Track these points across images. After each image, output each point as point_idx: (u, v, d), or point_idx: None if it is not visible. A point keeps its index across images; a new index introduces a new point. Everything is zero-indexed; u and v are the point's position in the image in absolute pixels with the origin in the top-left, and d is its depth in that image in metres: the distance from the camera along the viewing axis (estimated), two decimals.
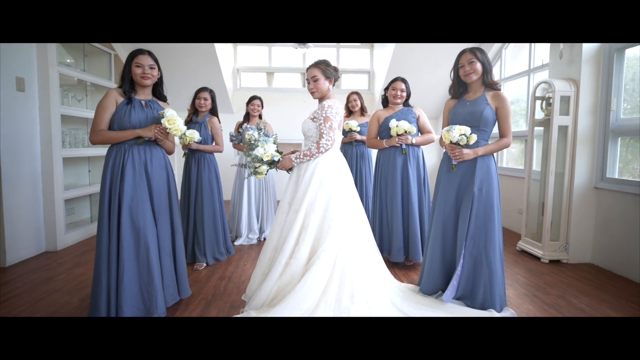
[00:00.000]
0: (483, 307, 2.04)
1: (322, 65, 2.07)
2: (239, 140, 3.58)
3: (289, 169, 2.13)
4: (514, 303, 2.28)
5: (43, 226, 3.25)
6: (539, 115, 3.29)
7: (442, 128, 2.15)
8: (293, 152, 2.14)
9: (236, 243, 3.55)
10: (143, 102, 2.02)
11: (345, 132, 3.38)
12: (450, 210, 2.15)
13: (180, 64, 4.95)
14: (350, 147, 3.45)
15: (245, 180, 3.61)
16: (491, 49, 4.66)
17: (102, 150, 3.83)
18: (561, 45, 3.18)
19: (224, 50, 5.39)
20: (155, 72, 2.02)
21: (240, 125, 3.70)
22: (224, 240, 3.12)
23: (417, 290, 2.29)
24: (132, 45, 4.22)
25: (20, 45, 3.00)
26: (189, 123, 3.01)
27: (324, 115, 2.01)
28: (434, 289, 2.22)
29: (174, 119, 1.93)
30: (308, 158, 2.04)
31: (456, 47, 2.32)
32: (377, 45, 6.04)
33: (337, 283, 1.90)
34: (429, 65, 4.97)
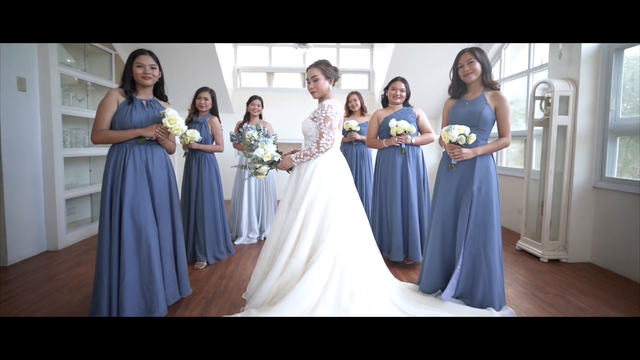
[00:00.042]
0: (482, 306, 2.05)
1: (323, 65, 2.08)
2: (239, 140, 3.59)
3: (289, 169, 2.14)
4: (513, 302, 2.30)
5: (44, 225, 3.26)
6: (539, 115, 3.30)
7: (442, 128, 2.16)
8: (293, 152, 2.16)
9: (236, 242, 3.56)
10: (144, 102, 2.03)
11: (345, 132, 3.39)
12: (449, 209, 2.16)
13: (181, 64, 4.96)
14: (350, 146, 3.47)
15: (246, 180, 3.63)
16: (491, 49, 4.67)
17: (102, 150, 3.85)
18: (560, 45, 3.19)
19: (224, 50, 5.40)
20: (157, 72, 2.03)
21: (240, 125, 3.71)
22: (224, 240, 3.13)
23: (417, 289, 2.30)
24: (132, 45, 4.23)
25: (21, 45, 3.01)
26: (189, 123, 3.02)
27: (324, 114, 2.03)
28: (434, 288, 2.23)
29: (175, 118, 1.95)
30: (308, 158, 2.05)
31: (456, 47, 2.33)
32: (377, 45, 6.05)
33: (337, 282, 1.91)
34: (429, 65, 4.99)
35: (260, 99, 3.67)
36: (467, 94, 2.17)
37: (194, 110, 3.07)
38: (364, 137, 3.37)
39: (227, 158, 5.29)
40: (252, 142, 2.14)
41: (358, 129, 3.39)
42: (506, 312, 2.05)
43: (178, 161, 5.57)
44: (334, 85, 2.13)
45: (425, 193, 2.94)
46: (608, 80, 2.93)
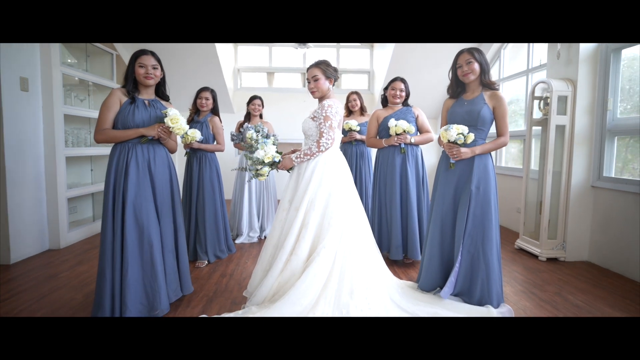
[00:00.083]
0: (480, 303, 2.08)
1: (323, 65, 2.10)
2: (240, 139, 3.61)
3: (290, 169, 2.16)
4: (511, 300, 2.32)
5: (46, 224, 3.29)
6: (537, 114, 3.33)
7: (441, 127, 2.19)
8: (293, 152, 2.18)
9: (237, 241, 3.59)
10: (146, 102, 2.05)
11: (345, 132, 3.41)
12: (448, 208, 2.19)
13: (181, 64, 4.98)
14: (350, 146, 3.49)
15: (246, 181, 3.65)
16: (490, 49, 4.69)
17: (104, 150, 3.87)
18: (559, 45, 3.21)
19: (224, 50, 5.42)
20: (158, 72, 2.05)
21: (241, 124, 3.73)
22: (225, 239, 3.15)
23: (416, 287, 2.32)
24: (133, 45, 4.26)
25: (23, 45, 3.04)
26: (190, 122, 3.04)
27: (324, 114, 2.05)
28: (433, 286, 2.25)
29: (176, 118, 1.97)
30: (308, 157, 2.08)
31: (455, 47, 2.35)
32: (377, 45, 6.07)
33: (337, 279, 1.94)
34: (429, 65, 5.01)
35: (260, 98, 3.70)
36: (466, 93, 2.19)
37: (195, 110, 3.10)
38: (363, 137, 3.39)
39: (228, 158, 5.31)
40: (252, 143, 2.16)
41: (358, 128, 3.41)
42: (504, 309, 2.07)
43: (179, 161, 5.59)
44: (334, 85, 2.16)
45: (425, 192, 2.96)
46: (606, 80, 2.95)
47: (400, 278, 2.59)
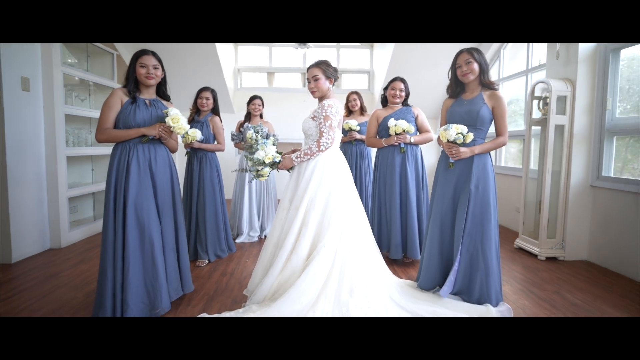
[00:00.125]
0: (479, 302, 2.09)
1: (323, 65, 2.12)
2: (240, 139, 3.62)
3: (290, 168, 2.17)
4: (510, 298, 2.33)
5: (47, 224, 3.30)
6: (537, 114, 3.34)
7: (440, 127, 2.20)
8: (293, 152, 2.19)
9: (237, 241, 3.60)
10: (147, 102, 2.06)
11: (345, 132, 3.42)
12: (447, 207, 2.20)
13: (181, 63, 4.99)
14: (350, 146, 3.50)
15: (247, 181, 3.66)
16: (490, 49, 4.71)
17: (104, 149, 3.88)
18: (558, 45, 3.22)
19: (224, 50, 5.43)
20: (159, 72, 2.06)
21: (241, 124, 3.75)
22: (225, 238, 3.17)
23: (415, 286, 2.33)
24: (134, 45, 4.27)
25: (24, 45, 3.05)
26: (191, 122, 3.05)
27: (324, 114, 2.06)
28: (432, 285, 2.26)
29: (177, 117, 1.98)
30: (309, 157, 2.09)
31: (455, 47, 2.36)
32: (376, 45, 6.08)
33: (337, 278, 1.95)
34: (428, 65, 5.01)
35: (260, 98, 3.71)
36: (465, 93, 2.20)
37: (196, 110, 3.11)
38: (363, 137, 3.40)
39: (228, 157, 5.33)
40: (252, 144, 2.17)
41: (358, 128, 3.42)
42: (503, 308, 2.08)
43: (179, 160, 5.60)
44: (333, 85, 2.17)
45: (424, 191, 2.97)
46: (605, 80, 2.96)
47: (400, 277, 2.61)
